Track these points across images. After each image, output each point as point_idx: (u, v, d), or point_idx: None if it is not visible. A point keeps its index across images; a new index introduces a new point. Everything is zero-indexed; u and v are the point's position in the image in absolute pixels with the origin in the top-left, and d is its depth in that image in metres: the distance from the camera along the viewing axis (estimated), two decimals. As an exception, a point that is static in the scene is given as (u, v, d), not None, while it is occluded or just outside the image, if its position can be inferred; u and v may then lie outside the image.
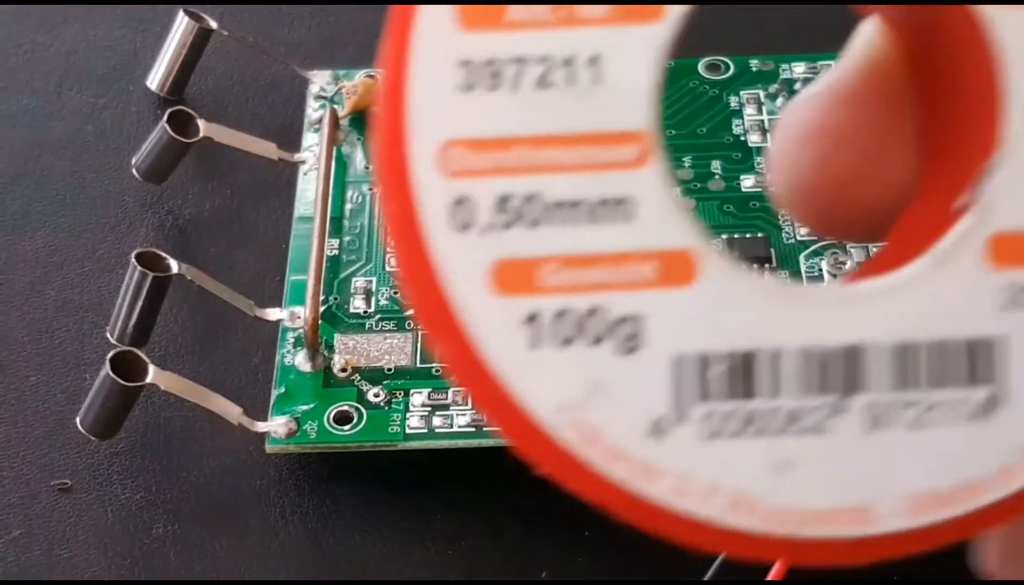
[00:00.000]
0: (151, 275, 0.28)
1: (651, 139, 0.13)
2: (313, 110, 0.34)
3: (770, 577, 0.23)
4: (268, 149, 0.32)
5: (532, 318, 0.13)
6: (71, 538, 0.27)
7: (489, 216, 0.13)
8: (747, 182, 0.31)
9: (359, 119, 0.33)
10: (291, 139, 0.33)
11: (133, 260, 0.29)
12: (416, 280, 0.13)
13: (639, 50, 0.13)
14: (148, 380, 0.27)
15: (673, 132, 0.32)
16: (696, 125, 0.32)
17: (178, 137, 0.31)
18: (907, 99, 0.15)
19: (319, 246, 0.29)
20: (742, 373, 0.14)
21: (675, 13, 0.13)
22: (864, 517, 0.14)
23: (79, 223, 0.33)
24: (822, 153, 0.15)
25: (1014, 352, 0.14)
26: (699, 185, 0.31)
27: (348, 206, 0.31)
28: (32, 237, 0.32)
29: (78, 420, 0.28)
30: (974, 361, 0.14)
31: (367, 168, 0.32)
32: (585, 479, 0.13)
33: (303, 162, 0.32)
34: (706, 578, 0.24)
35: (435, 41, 0.13)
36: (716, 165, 0.31)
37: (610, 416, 0.13)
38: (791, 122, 0.16)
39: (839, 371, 0.14)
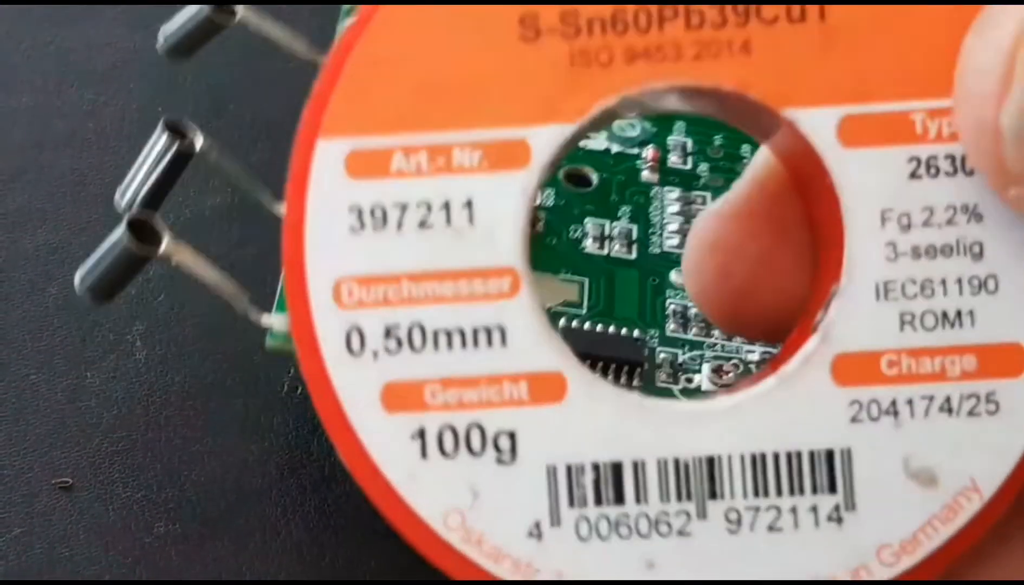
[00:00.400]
0: (176, 145, 0.27)
1: (520, 272, 0.15)
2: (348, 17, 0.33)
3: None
4: (299, 45, 0.30)
5: (419, 433, 0.15)
6: (72, 537, 0.27)
7: (378, 343, 0.15)
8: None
9: None
10: (324, 41, 0.33)
11: (161, 126, 0.28)
12: (319, 397, 0.15)
13: (508, 194, 0.15)
14: (162, 250, 0.26)
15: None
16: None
17: (213, 18, 0.30)
18: (793, 218, 0.17)
19: None
20: (610, 481, 0.15)
21: (540, 161, 0.15)
22: None
23: (79, 221, 0.32)
24: (718, 266, 0.18)
25: (859, 462, 0.15)
26: (728, 165, 0.31)
27: None
28: (33, 235, 0.32)
29: (77, 279, 0.27)
30: (824, 471, 0.15)
31: None
32: (472, 576, 0.15)
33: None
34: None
35: (327, 188, 0.15)
36: (746, 149, 0.31)
37: (491, 520, 0.15)
38: (694, 236, 0.18)
39: (699, 480, 0.15)
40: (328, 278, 0.15)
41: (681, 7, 0.15)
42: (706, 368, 0.27)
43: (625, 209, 0.30)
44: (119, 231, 0.26)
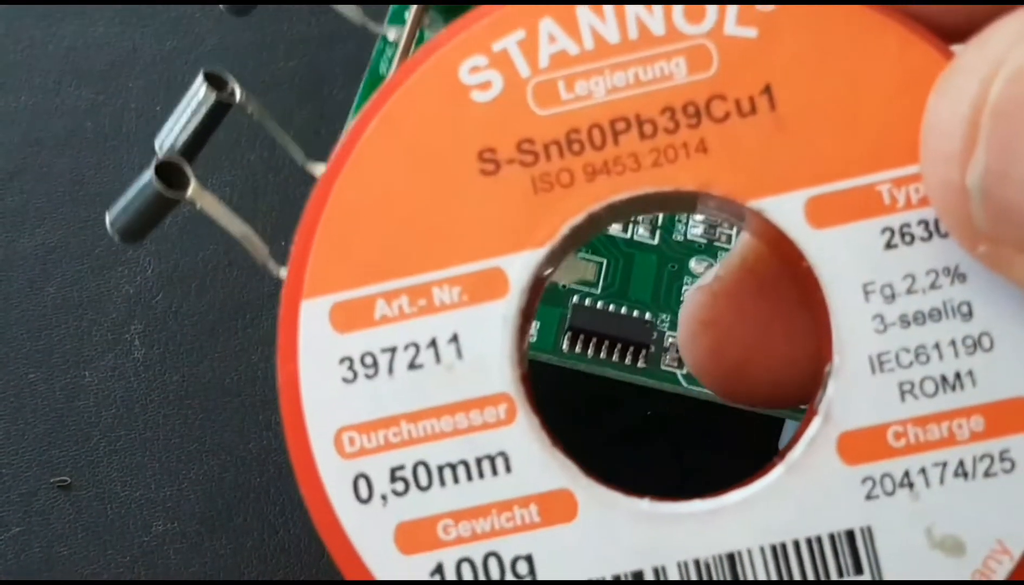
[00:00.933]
0: (215, 96, 0.28)
1: (515, 397, 0.15)
2: None
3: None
4: (353, 9, 0.31)
5: (437, 569, 0.15)
6: (70, 535, 0.27)
7: (385, 487, 0.15)
8: None
9: (450, 10, 0.33)
10: (377, 12, 0.33)
11: (200, 77, 0.28)
12: (334, 546, 0.15)
13: (491, 324, 0.15)
14: (188, 194, 0.26)
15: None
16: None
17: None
18: (783, 293, 0.17)
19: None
20: None
21: (518, 287, 0.15)
22: None
23: (78, 220, 0.33)
24: (712, 343, 0.18)
25: (881, 538, 0.15)
26: None
27: None
28: (31, 234, 0.32)
29: (108, 219, 0.27)
30: (847, 552, 0.15)
31: None
32: None
33: (384, 35, 0.32)
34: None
35: (317, 345, 0.15)
36: None
37: None
38: (686, 312, 0.18)
39: (722, 577, 0.15)
40: (328, 430, 0.15)
41: (632, 117, 0.15)
42: None
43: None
44: (148, 174, 0.26)
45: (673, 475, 0.28)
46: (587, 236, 0.16)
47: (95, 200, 0.33)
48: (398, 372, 0.15)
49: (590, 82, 0.15)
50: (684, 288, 0.28)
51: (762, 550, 0.15)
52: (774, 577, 0.15)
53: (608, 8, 0.15)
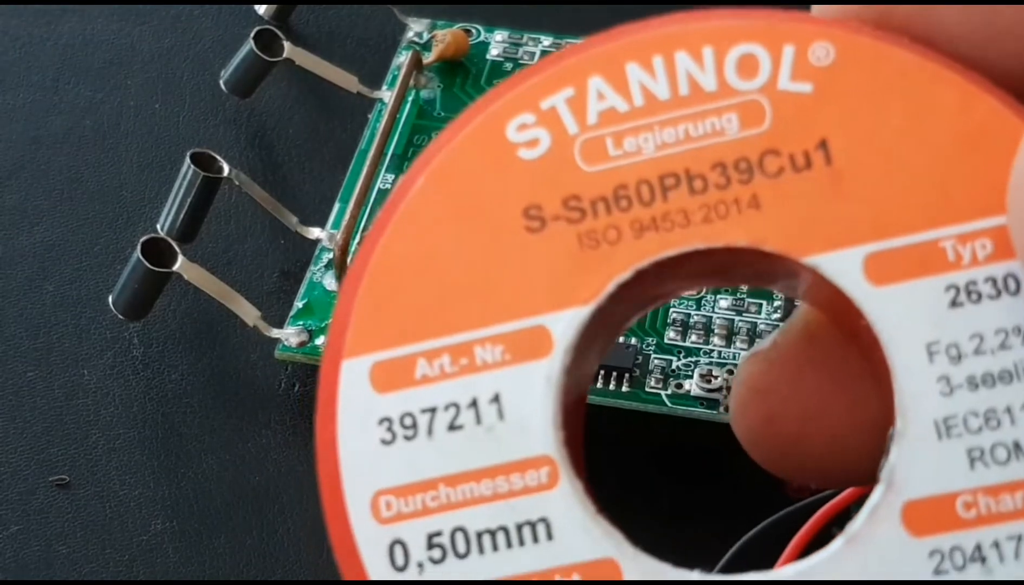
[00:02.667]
0: (202, 174, 0.30)
1: (558, 461, 0.15)
2: (403, 55, 0.34)
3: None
4: (349, 81, 0.33)
5: None
6: (69, 534, 0.27)
7: (422, 555, 0.15)
8: None
9: (445, 68, 0.34)
10: (376, 77, 0.34)
11: (188, 159, 0.30)
12: None
13: (534, 384, 0.15)
14: (175, 268, 0.28)
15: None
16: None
17: (262, 55, 0.33)
18: (844, 363, 0.16)
19: (367, 175, 0.31)
20: None
21: (562, 346, 0.15)
22: None
23: (77, 218, 0.32)
24: (766, 412, 0.17)
25: None
26: None
27: (412, 148, 0.32)
28: (30, 232, 0.32)
29: (111, 300, 0.29)
30: None
31: (440, 114, 0.33)
32: None
33: (381, 99, 0.33)
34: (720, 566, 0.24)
35: (356, 405, 0.15)
36: None
37: None
38: (740, 379, 0.17)
39: None
40: (365, 493, 0.15)
41: (681, 172, 0.15)
42: (696, 374, 0.27)
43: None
44: (135, 254, 0.28)
45: (665, 500, 0.27)
46: (637, 300, 0.16)
47: (94, 198, 0.33)
48: (437, 433, 0.15)
49: (639, 138, 0.15)
50: (670, 310, 0.28)
51: None
52: None
53: (658, 63, 0.15)
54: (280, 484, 0.28)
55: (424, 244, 0.15)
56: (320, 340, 0.28)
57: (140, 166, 0.34)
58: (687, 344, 0.28)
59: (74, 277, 0.31)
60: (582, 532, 0.15)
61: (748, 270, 0.16)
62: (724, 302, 0.28)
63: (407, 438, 0.15)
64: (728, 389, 0.27)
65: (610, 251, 0.15)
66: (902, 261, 0.14)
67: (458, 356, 0.15)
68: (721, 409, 0.27)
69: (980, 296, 0.14)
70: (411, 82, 0.33)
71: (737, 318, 0.28)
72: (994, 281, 0.14)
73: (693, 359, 0.27)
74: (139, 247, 0.28)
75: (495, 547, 0.15)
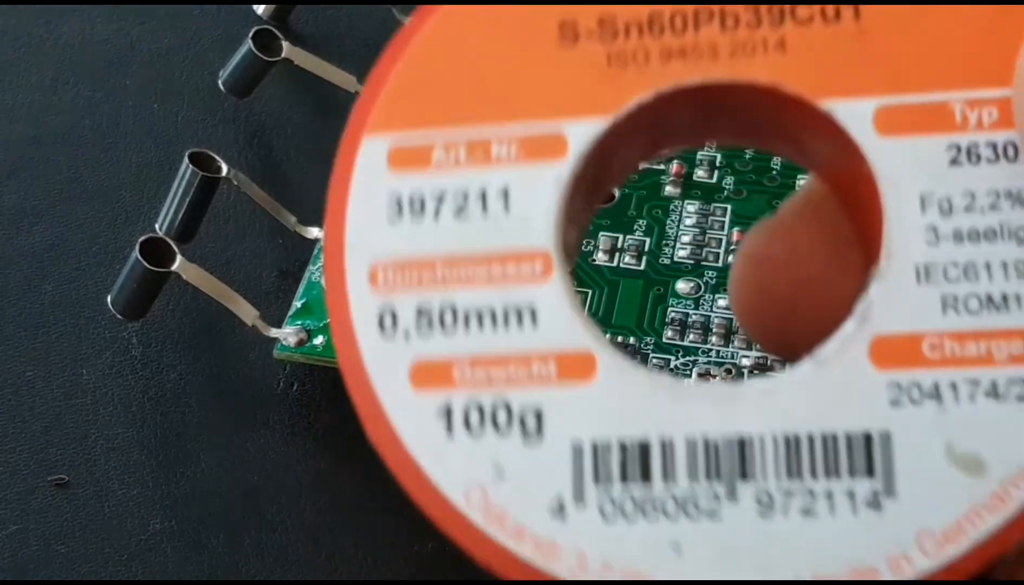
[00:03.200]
0: (201, 174, 0.30)
1: (553, 256, 0.15)
2: None
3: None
4: (348, 80, 0.34)
5: (445, 410, 0.15)
6: (68, 534, 0.27)
7: (410, 324, 0.15)
8: (802, 181, 0.31)
9: None
10: None
11: (186, 159, 0.30)
12: (351, 374, 0.15)
13: (543, 183, 0.15)
14: (174, 268, 0.28)
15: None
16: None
17: (261, 55, 0.33)
18: (845, 239, 0.17)
19: None
20: (637, 460, 0.15)
21: (577, 151, 0.15)
22: None
23: (76, 218, 0.33)
24: (762, 278, 0.17)
25: (900, 446, 0.15)
26: (754, 178, 0.31)
27: None
28: (29, 232, 0.32)
29: (109, 300, 0.29)
30: (861, 455, 0.15)
31: None
32: (493, 555, 0.15)
33: None
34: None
35: (370, 180, 0.16)
36: (776, 161, 0.32)
37: (514, 498, 0.15)
38: (741, 249, 0.18)
39: (730, 460, 0.15)
40: (365, 262, 0.16)
41: (716, 8, 0.16)
42: (694, 373, 0.27)
43: (641, 223, 0.30)
44: (133, 254, 0.28)
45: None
46: (650, 131, 0.16)
47: (92, 197, 0.33)
48: (444, 217, 0.15)
49: None
50: (669, 310, 0.28)
51: (774, 439, 0.15)
52: (783, 468, 0.15)
53: None
54: (278, 483, 0.28)
55: (459, 43, 0.16)
56: (319, 340, 0.28)
57: (139, 166, 0.34)
58: (685, 343, 0.28)
59: (73, 277, 0.31)
60: (566, 324, 0.15)
61: (762, 118, 0.16)
62: (723, 301, 0.28)
63: (413, 217, 0.16)
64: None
65: (636, 72, 0.16)
66: (912, 116, 0.15)
67: (474, 148, 0.16)
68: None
69: (979, 158, 0.15)
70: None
71: (735, 317, 0.28)
72: (995, 146, 0.15)
73: (691, 358, 0.28)
74: (138, 247, 0.28)
75: (480, 326, 0.15)
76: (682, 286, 0.29)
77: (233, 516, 0.27)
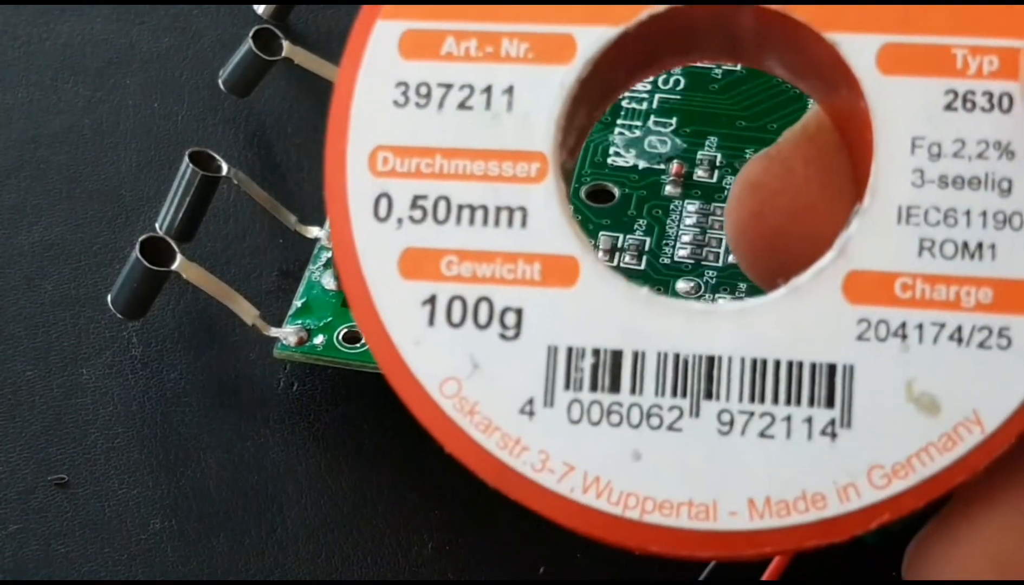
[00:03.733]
0: (201, 173, 0.30)
1: (550, 159, 0.16)
2: None
3: (764, 577, 0.23)
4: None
5: (430, 300, 0.15)
6: (68, 533, 0.27)
7: (404, 211, 0.16)
8: None
9: None
10: None
11: (186, 158, 0.30)
12: (342, 256, 0.16)
13: (548, 85, 0.16)
14: (174, 267, 0.28)
15: (743, 123, 0.32)
16: (768, 120, 0.32)
17: (261, 54, 0.33)
18: (839, 171, 0.17)
19: None
20: (608, 368, 0.15)
21: (585, 56, 0.16)
22: (709, 512, 0.15)
23: (75, 217, 0.33)
24: (755, 204, 0.18)
25: (861, 380, 0.15)
26: None
27: None
28: (29, 231, 0.32)
29: (109, 299, 0.29)
30: (824, 384, 0.15)
31: None
32: (461, 445, 0.15)
33: None
34: (700, 579, 0.24)
35: (379, 64, 0.16)
36: None
37: (486, 393, 0.15)
38: (738, 177, 0.18)
39: (697, 378, 0.15)
40: (366, 146, 0.16)
41: None
42: None
43: (641, 223, 0.30)
44: (134, 253, 0.28)
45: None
46: (658, 46, 0.16)
47: (92, 197, 0.33)
48: (447, 108, 0.16)
49: None
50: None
51: (742, 361, 0.15)
52: (747, 390, 0.15)
53: None
54: (279, 483, 0.28)
55: None
56: (319, 339, 0.28)
57: (139, 165, 0.34)
58: None
59: (73, 276, 0.31)
60: (554, 228, 0.16)
61: (768, 42, 0.16)
62: (723, 300, 0.28)
63: (418, 105, 0.16)
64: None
65: None
66: (914, 57, 0.15)
67: (485, 43, 0.16)
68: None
69: (974, 106, 0.15)
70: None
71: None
72: (991, 96, 0.15)
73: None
74: (138, 246, 0.28)
75: (472, 221, 0.16)
76: (682, 286, 0.29)
77: (233, 515, 0.27)
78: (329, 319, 0.29)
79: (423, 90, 0.16)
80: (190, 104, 0.35)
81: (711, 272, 0.29)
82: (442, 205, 0.16)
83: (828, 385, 0.15)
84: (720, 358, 0.15)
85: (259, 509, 0.27)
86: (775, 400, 0.15)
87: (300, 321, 0.29)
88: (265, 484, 0.28)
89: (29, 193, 0.33)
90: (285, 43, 0.33)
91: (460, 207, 0.16)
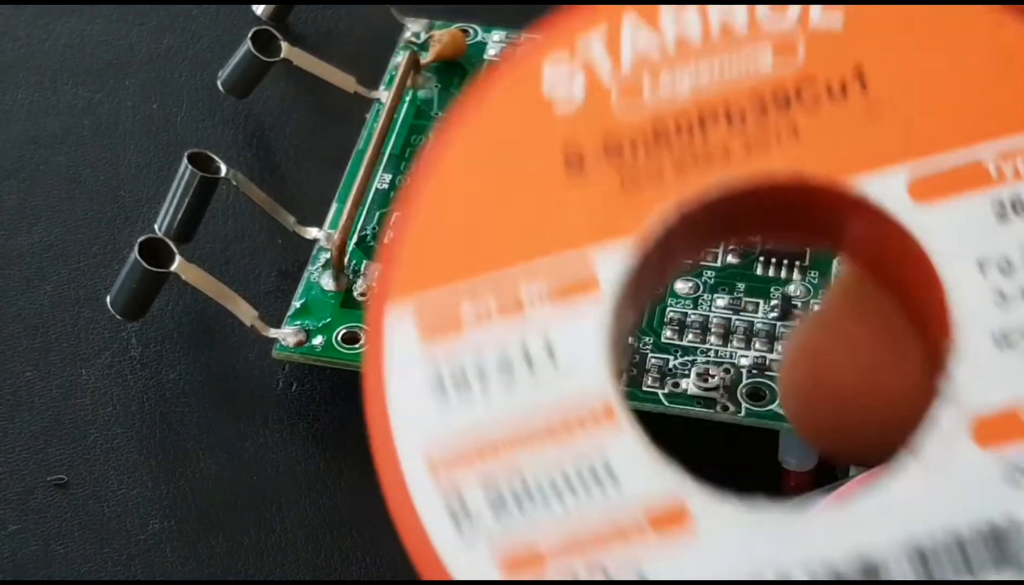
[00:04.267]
0: (200, 174, 0.30)
1: (614, 401, 0.14)
2: (401, 55, 0.34)
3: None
4: (346, 81, 0.33)
5: None
6: (67, 534, 0.27)
7: (483, 511, 0.14)
8: None
9: (442, 68, 0.34)
10: (374, 78, 0.34)
11: (185, 159, 0.30)
12: (425, 567, 0.14)
13: (583, 325, 0.15)
14: (173, 268, 0.28)
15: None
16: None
17: (260, 55, 0.33)
18: (888, 321, 0.16)
19: (365, 175, 0.31)
20: None
21: (608, 281, 0.14)
22: None
23: (75, 218, 0.33)
24: (815, 368, 0.17)
25: None
26: None
27: (409, 148, 0.32)
28: (28, 232, 0.32)
29: (108, 300, 0.29)
30: (993, 546, 0.14)
31: (437, 114, 0.33)
32: None
33: (378, 99, 0.33)
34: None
35: (404, 356, 0.15)
36: None
37: None
38: (788, 344, 0.17)
39: (855, 578, 0.14)
40: (418, 448, 0.15)
41: (720, 109, 0.15)
42: (693, 373, 0.27)
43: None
44: (133, 254, 0.28)
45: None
46: (681, 245, 0.16)
47: (92, 198, 0.33)
48: (489, 383, 0.15)
49: (674, 76, 0.15)
50: (667, 310, 0.28)
51: (902, 553, 0.14)
52: (911, 577, 0.14)
53: (691, 9, 0.15)
54: (278, 483, 0.28)
55: (464, 192, 0.15)
56: (317, 340, 0.28)
57: (138, 166, 0.34)
58: (684, 343, 0.28)
59: (72, 277, 0.31)
60: (645, 471, 0.14)
61: (791, 211, 0.16)
62: (721, 301, 0.28)
63: (459, 392, 0.15)
64: (725, 388, 0.27)
65: (652, 190, 0.15)
66: (946, 179, 0.15)
67: (502, 295, 0.15)
68: (718, 408, 0.27)
69: None
70: (408, 82, 0.33)
71: (734, 317, 0.28)
72: None
73: (690, 358, 0.28)
74: (137, 247, 0.28)
75: (558, 495, 0.14)
76: (681, 286, 0.29)
77: (232, 516, 0.27)
78: (328, 320, 0.29)
79: (458, 372, 0.14)
80: (189, 105, 0.35)
81: (709, 273, 0.29)
82: (520, 489, 0.14)
83: (997, 545, 0.14)
84: (877, 558, 0.14)
85: (258, 509, 0.27)
86: (951, 578, 0.14)
87: (299, 322, 0.29)
88: (264, 484, 0.28)
89: (28, 194, 0.33)
90: (284, 44, 0.33)
91: (540, 484, 0.14)
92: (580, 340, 0.15)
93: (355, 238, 0.30)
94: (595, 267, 0.15)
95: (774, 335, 0.28)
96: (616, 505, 0.14)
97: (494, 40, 0.35)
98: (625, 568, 0.14)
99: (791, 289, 0.29)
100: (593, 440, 0.14)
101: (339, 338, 0.28)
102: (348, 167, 0.32)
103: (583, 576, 0.14)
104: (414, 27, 0.35)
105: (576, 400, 0.14)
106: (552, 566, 0.14)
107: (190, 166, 0.30)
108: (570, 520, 0.14)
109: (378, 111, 0.33)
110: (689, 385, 0.27)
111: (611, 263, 0.15)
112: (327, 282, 0.29)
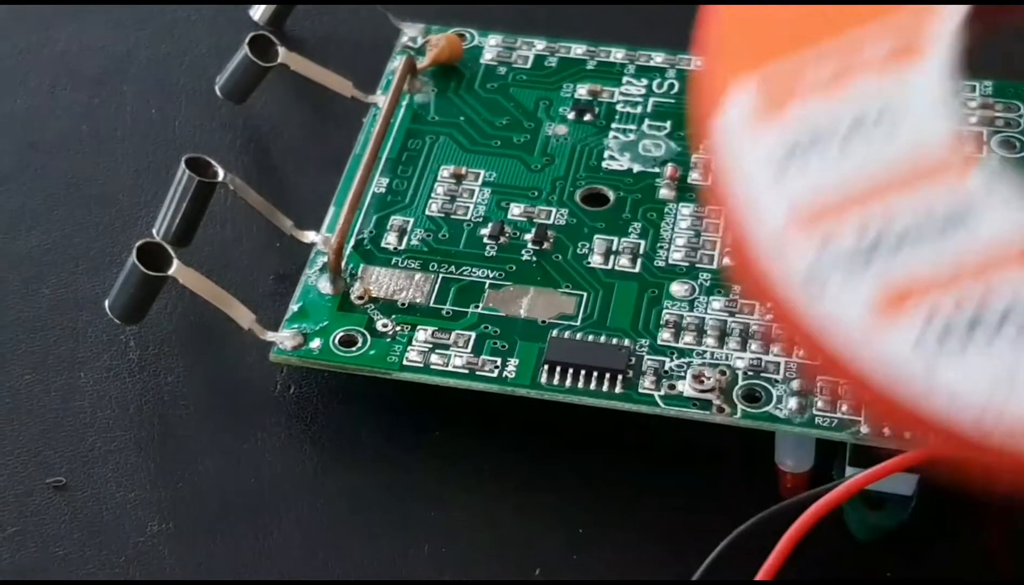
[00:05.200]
0: (197, 179, 0.30)
1: (964, 144, 0.14)
2: (398, 59, 0.34)
3: (758, 577, 0.23)
4: (343, 85, 0.34)
5: (929, 323, 0.14)
6: (66, 536, 0.27)
7: (854, 255, 0.14)
8: None
9: (439, 72, 0.34)
10: (371, 82, 0.34)
11: (183, 164, 0.30)
12: (798, 328, 0.14)
13: (923, 79, 0.15)
14: (171, 272, 0.29)
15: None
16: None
17: (257, 60, 0.33)
18: None
19: (362, 179, 0.31)
20: None
21: (939, 36, 0.15)
22: None
23: (73, 223, 0.33)
24: None
25: None
26: None
27: (406, 153, 0.32)
28: (26, 236, 0.32)
29: (107, 304, 0.29)
30: None
31: (434, 119, 0.33)
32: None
33: (375, 104, 0.33)
34: (694, 578, 0.24)
35: (745, 126, 0.15)
36: None
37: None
38: None
39: None
40: (781, 206, 0.15)
41: None
42: (689, 375, 0.27)
43: (636, 226, 0.30)
44: (131, 258, 0.28)
45: (678, 494, 0.28)
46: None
47: (90, 202, 0.33)
48: (839, 141, 0.15)
49: None
50: (664, 312, 0.29)
51: None
52: None
53: None
54: (276, 486, 0.28)
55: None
56: (315, 343, 0.28)
57: (136, 171, 0.34)
58: (680, 345, 0.28)
59: (70, 281, 0.31)
60: (1003, 217, 0.14)
61: None
62: (717, 304, 0.29)
63: (808, 150, 0.15)
64: (721, 390, 0.27)
65: None
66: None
67: (841, 59, 0.15)
68: (713, 410, 0.27)
69: None
70: (405, 87, 0.33)
71: (730, 319, 0.28)
72: None
73: (686, 360, 0.28)
74: (135, 251, 0.29)
75: (923, 238, 0.14)
76: (677, 288, 0.29)
77: (231, 518, 0.27)
78: (325, 323, 0.29)
79: (806, 132, 0.15)
80: (187, 110, 0.35)
81: (705, 275, 0.29)
82: (887, 232, 0.14)
83: None
84: None
85: (256, 512, 0.27)
86: None
87: (297, 325, 0.29)
88: (262, 487, 0.28)
89: (27, 198, 0.33)
90: (281, 49, 0.33)
91: (905, 229, 0.14)
92: (922, 93, 0.14)
93: (352, 242, 0.30)
94: (930, 29, 0.15)
95: (770, 337, 0.28)
96: (984, 241, 0.14)
97: (491, 44, 0.35)
98: (1007, 298, 0.14)
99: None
100: (951, 192, 0.14)
101: (336, 341, 0.28)
102: (345, 171, 0.32)
103: (967, 312, 0.14)
104: (411, 32, 0.35)
105: (928, 152, 0.14)
106: (929, 299, 0.14)
107: (188, 171, 0.30)
108: (939, 257, 0.14)
109: (375, 115, 0.33)
110: (685, 387, 0.27)
111: (945, 19, 0.15)
112: (324, 285, 0.30)
